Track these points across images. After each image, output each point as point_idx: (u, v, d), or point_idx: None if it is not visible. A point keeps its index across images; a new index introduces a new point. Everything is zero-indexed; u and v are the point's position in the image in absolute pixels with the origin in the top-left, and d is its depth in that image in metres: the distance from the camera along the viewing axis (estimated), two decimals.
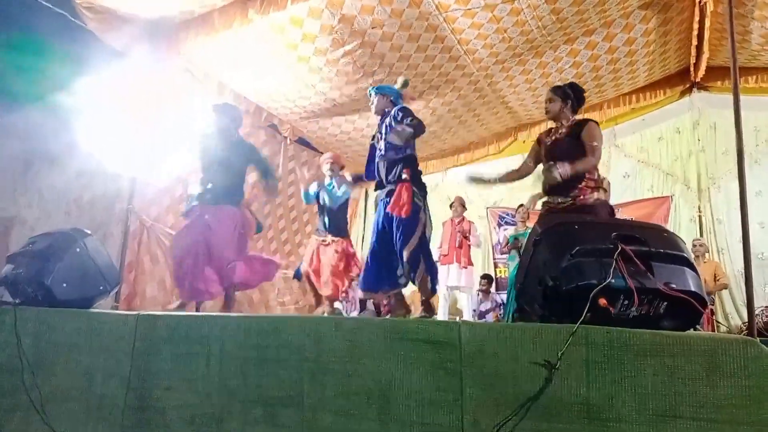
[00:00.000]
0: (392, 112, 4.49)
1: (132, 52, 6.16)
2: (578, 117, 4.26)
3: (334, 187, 5.88)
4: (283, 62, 6.95)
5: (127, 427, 2.92)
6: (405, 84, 4.71)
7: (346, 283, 5.99)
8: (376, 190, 4.66)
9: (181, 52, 6.60)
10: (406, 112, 4.42)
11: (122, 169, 6.24)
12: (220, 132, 5.00)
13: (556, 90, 4.24)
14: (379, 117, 4.68)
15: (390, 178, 4.41)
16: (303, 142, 9.38)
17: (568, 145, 4.04)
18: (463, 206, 8.36)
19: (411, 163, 4.44)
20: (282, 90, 7.70)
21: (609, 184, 4.11)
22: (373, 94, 4.66)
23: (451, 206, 8.44)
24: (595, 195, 3.92)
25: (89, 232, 4.20)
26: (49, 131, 5.51)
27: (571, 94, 4.20)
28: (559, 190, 3.95)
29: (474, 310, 8.55)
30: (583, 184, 3.92)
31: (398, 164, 4.38)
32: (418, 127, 4.29)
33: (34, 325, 3.46)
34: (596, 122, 4.12)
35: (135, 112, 6.22)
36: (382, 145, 4.51)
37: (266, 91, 7.79)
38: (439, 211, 9.86)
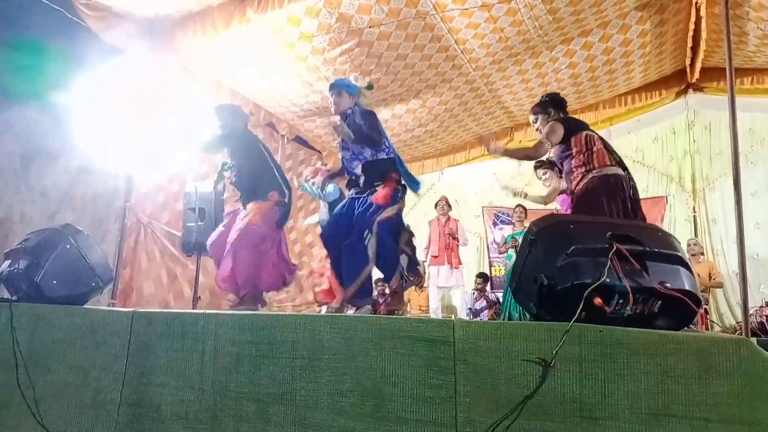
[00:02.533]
0: (357, 118, 4.26)
1: (129, 49, 6.16)
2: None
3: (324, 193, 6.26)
4: (281, 61, 6.95)
5: (121, 423, 2.92)
6: (369, 86, 4.47)
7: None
8: (349, 187, 4.47)
9: (178, 49, 6.59)
10: (368, 118, 4.22)
11: (119, 166, 6.24)
12: (232, 131, 5.06)
13: (535, 109, 4.36)
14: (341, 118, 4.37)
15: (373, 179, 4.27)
16: (300, 141, 9.38)
17: (561, 151, 4.16)
18: (449, 205, 8.37)
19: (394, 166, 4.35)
20: (279, 88, 7.70)
21: (606, 155, 4.11)
22: (334, 91, 4.35)
23: (436, 206, 8.43)
24: (588, 177, 4.00)
25: (80, 228, 4.19)
26: (48, 129, 5.51)
27: (546, 104, 4.31)
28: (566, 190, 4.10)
29: (469, 309, 8.57)
30: (572, 177, 4.05)
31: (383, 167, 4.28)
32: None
33: (30, 321, 3.46)
34: (561, 120, 4.17)
35: (132, 109, 6.22)
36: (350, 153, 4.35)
37: (264, 90, 7.79)
38: (434, 211, 9.89)
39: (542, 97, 4.43)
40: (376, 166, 4.24)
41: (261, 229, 4.73)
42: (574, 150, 4.06)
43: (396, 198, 4.20)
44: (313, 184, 6.12)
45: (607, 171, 3.97)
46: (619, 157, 4.15)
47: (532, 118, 4.36)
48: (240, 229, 4.66)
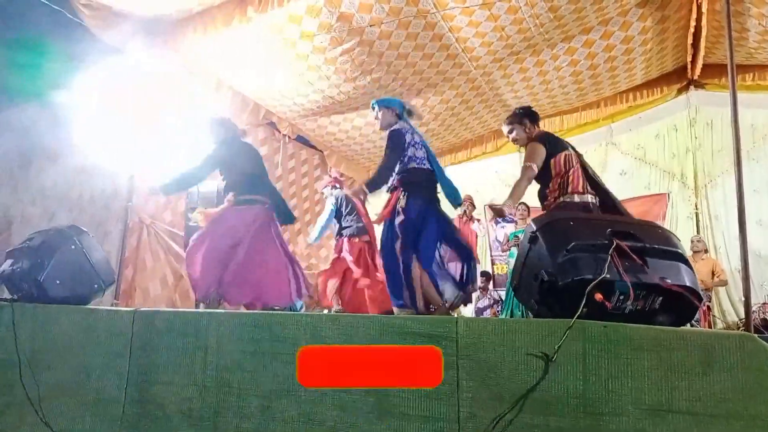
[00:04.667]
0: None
1: (129, 48, 6.15)
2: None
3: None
4: (282, 60, 6.94)
5: (125, 421, 2.93)
6: (409, 113, 4.57)
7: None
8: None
9: (178, 49, 6.59)
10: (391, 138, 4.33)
11: (120, 166, 6.24)
12: (224, 143, 4.90)
13: (510, 119, 4.26)
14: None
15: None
16: (302, 140, 9.36)
17: (539, 174, 4.01)
18: (473, 205, 8.39)
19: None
20: (280, 88, 7.70)
21: (581, 182, 4.09)
22: (376, 108, 4.49)
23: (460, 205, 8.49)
24: (560, 200, 3.94)
25: (85, 229, 4.19)
26: (48, 129, 5.51)
27: (523, 115, 4.22)
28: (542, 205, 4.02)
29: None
30: (547, 198, 3.98)
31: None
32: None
33: (32, 320, 3.46)
34: (539, 140, 4.06)
35: (132, 109, 6.22)
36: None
37: (265, 89, 7.78)
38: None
39: (516, 109, 4.36)
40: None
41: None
42: (553, 172, 3.99)
43: (397, 204, 4.26)
44: (334, 195, 6.36)
45: (576, 198, 3.90)
46: (597, 179, 4.04)
47: (506, 128, 4.28)
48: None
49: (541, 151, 3.99)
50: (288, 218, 5.10)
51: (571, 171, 3.96)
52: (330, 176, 7.29)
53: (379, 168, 4.29)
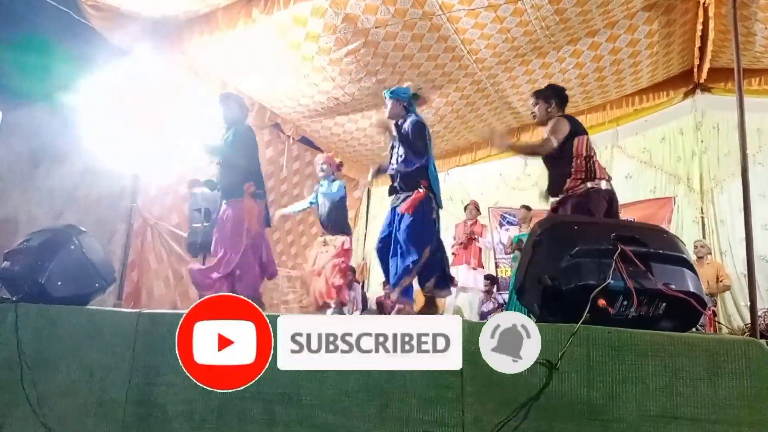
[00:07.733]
0: (406, 126, 4.43)
1: (136, 50, 6.17)
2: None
3: (328, 185, 6.00)
4: (287, 61, 6.95)
5: (128, 423, 2.92)
6: (416, 96, 4.66)
7: (341, 281, 5.89)
8: (389, 195, 4.66)
9: (184, 50, 6.61)
10: (417, 128, 4.38)
11: (126, 167, 6.25)
12: (231, 121, 4.92)
13: (538, 94, 4.22)
14: (394, 122, 4.56)
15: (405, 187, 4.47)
16: (306, 142, 9.37)
17: (560, 151, 3.94)
18: (478, 210, 8.38)
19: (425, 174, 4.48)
20: (285, 89, 7.71)
21: (604, 169, 4.01)
22: (387, 97, 4.56)
23: (465, 209, 8.47)
24: (588, 185, 3.87)
25: (84, 229, 4.18)
26: (55, 130, 5.53)
27: (551, 94, 4.16)
28: (552, 191, 4.01)
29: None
30: (570, 179, 3.90)
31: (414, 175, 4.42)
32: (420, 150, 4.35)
33: (35, 321, 3.46)
34: (566, 117, 4.04)
35: (138, 110, 6.23)
36: (395, 156, 4.53)
37: (269, 90, 7.80)
38: (446, 211, 9.86)
39: (549, 85, 4.32)
40: (410, 175, 4.42)
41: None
42: (574, 152, 3.93)
43: (422, 208, 4.36)
44: (322, 170, 6.09)
45: (603, 185, 3.86)
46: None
47: (531, 101, 4.24)
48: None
49: (565, 128, 3.93)
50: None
51: (595, 157, 3.94)
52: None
53: (411, 151, 4.34)
